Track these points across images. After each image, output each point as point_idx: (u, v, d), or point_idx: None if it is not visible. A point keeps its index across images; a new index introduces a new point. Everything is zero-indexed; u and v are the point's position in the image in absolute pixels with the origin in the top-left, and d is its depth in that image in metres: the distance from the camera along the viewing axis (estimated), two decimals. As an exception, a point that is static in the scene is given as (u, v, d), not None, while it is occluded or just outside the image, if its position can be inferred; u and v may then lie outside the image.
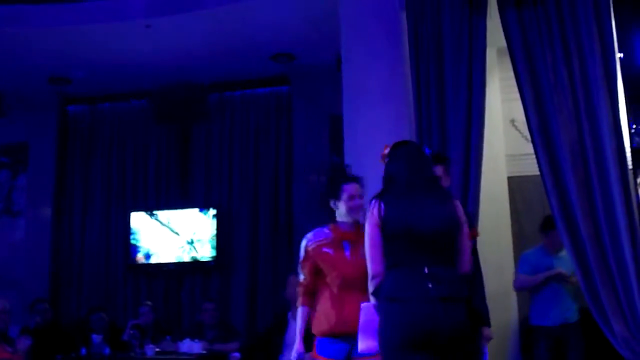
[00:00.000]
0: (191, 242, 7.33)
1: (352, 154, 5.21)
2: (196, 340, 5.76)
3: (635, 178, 5.06)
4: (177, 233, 7.38)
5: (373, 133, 5.02)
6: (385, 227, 3.01)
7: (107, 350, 5.92)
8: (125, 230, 7.49)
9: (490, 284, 5.66)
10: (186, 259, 7.33)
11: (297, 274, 5.48)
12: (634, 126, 6.13)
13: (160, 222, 7.43)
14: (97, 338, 5.95)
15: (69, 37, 6.36)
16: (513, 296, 5.82)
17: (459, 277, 3.02)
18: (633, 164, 4.79)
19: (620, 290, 4.10)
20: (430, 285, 2.90)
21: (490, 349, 5.67)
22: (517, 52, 4.59)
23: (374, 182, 4.94)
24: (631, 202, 4.17)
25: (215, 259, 7.24)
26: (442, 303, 2.86)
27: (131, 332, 6.00)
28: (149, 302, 6.56)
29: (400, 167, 3.18)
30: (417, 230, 2.96)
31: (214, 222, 7.26)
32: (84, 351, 5.88)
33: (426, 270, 2.93)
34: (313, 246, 3.64)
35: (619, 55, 4.47)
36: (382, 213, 3.03)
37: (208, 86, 7.46)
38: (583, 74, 4.37)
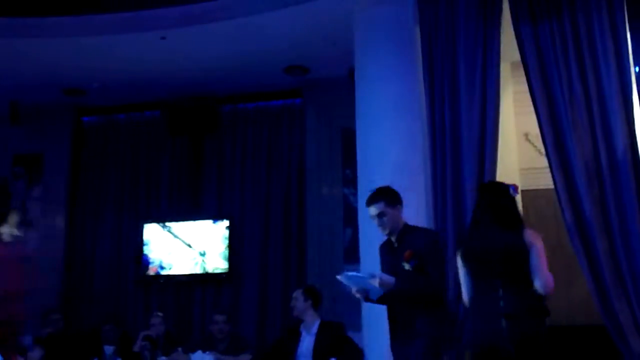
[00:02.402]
0: (203, 254, 7.33)
1: (365, 168, 5.21)
2: (207, 352, 5.73)
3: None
4: (189, 245, 7.38)
5: (386, 147, 5.03)
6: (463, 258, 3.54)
7: (119, 361, 5.92)
8: (138, 241, 7.51)
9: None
10: (198, 270, 7.33)
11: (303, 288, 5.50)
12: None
13: (173, 234, 7.44)
14: (108, 349, 5.96)
15: (84, 49, 6.40)
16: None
17: (528, 296, 3.34)
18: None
19: (635, 305, 4.08)
20: (501, 304, 3.32)
21: None
22: (531, 67, 4.59)
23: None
24: (646, 216, 4.15)
25: (226, 270, 7.24)
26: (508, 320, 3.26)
27: (142, 343, 5.99)
28: (160, 313, 6.55)
29: (478, 207, 3.65)
30: (486, 257, 3.43)
31: (226, 233, 7.26)
32: (95, 361, 5.88)
33: (500, 290, 3.36)
34: None
35: (634, 69, 4.46)
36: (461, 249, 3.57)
37: (221, 98, 7.48)
38: (598, 89, 4.36)
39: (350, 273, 3.86)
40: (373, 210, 3.89)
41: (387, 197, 3.91)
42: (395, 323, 3.84)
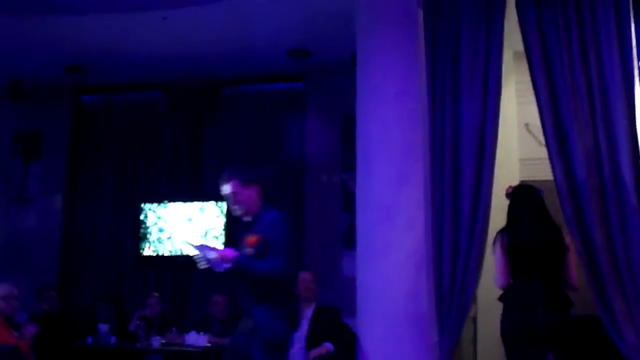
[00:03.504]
0: (202, 235, 7.34)
1: (364, 153, 5.19)
2: (202, 333, 5.76)
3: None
4: (188, 225, 7.38)
5: (385, 132, 5.00)
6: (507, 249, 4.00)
7: (113, 340, 5.95)
8: (136, 221, 7.51)
9: (497, 289, 5.65)
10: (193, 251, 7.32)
11: (307, 270, 5.52)
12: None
13: (171, 214, 7.44)
14: (103, 327, 5.98)
15: (85, 26, 6.37)
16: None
17: (559, 288, 3.94)
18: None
19: (632, 298, 4.07)
20: (537, 295, 3.87)
21: (497, 355, 5.67)
22: (534, 55, 4.55)
23: (384, 181, 4.95)
24: (646, 211, 4.13)
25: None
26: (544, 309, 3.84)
27: (137, 322, 6.02)
28: (156, 294, 6.58)
29: (518, 206, 4.15)
30: (528, 251, 3.95)
31: (225, 215, 7.26)
32: (90, 340, 5.91)
33: (536, 282, 3.90)
34: None
35: (637, 62, 4.42)
36: (506, 242, 4.02)
37: (223, 80, 7.46)
38: (600, 79, 4.33)
39: (197, 243, 3.87)
40: (226, 188, 3.87)
41: (241, 176, 3.91)
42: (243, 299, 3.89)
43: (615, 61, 4.28)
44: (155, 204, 7.48)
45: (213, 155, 7.67)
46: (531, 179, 5.95)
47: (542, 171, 5.85)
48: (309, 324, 5.25)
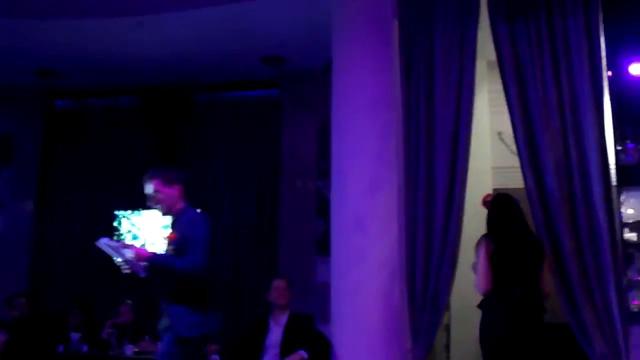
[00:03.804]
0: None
1: (338, 160, 5.22)
2: (175, 341, 5.70)
3: (619, 195, 5.09)
4: (162, 233, 7.33)
5: (360, 140, 5.03)
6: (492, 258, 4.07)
7: (85, 349, 5.88)
8: (109, 227, 7.43)
9: (472, 298, 5.69)
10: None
11: (280, 277, 5.52)
12: (620, 144, 6.19)
13: (146, 221, 7.38)
14: (75, 336, 5.90)
15: (58, 31, 6.31)
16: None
17: (537, 295, 4.08)
18: (617, 181, 4.83)
19: (600, 307, 4.12)
20: (519, 301, 4.01)
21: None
22: (506, 66, 4.62)
23: (358, 189, 4.98)
24: (614, 219, 4.21)
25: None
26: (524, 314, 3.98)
27: (110, 330, 5.96)
28: (129, 301, 6.51)
29: (502, 213, 4.27)
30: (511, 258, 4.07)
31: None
32: (61, 348, 5.83)
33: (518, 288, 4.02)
34: None
35: (607, 73, 4.51)
36: (491, 247, 4.08)
37: (197, 86, 7.44)
38: (571, 91, 4.40)
39: (105, 240, 3.83)
40: (148, 187, 3.90)
41: (163, 175, 3.93)
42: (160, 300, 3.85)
43: (585, 72, 4.36)
44: (129, 211, 7.42)
45: (187, 162, 7.62)
46: (503, 187, 6.02)
47: (515, 179, 5.92)
48: (282, 331, 5.24)
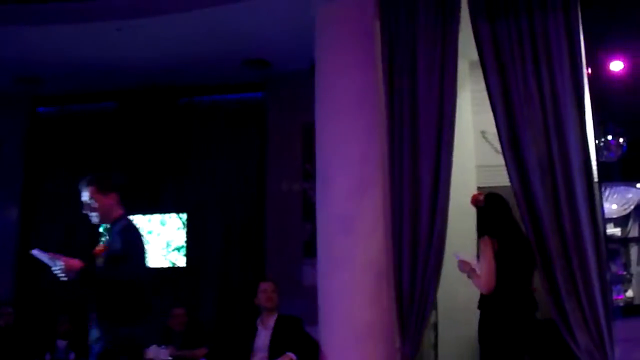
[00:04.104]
0: (162, 248, 7.26)
1: (323, 162, 5.23)
2: (163, 347, 5.70)
3: (603, 191, 5.14)
4: (146, 238, 7.30)
5: (345, 143, 5.05)
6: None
7: (73, 356, 5.84)
8: (94, 233, 7.39)
9: (458, 296, 5.72)
10: (156, 264, 7.25)
11: (267, 280, 5.52)
12: (602, 139, 6.26)
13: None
14: (61, 343, 5.87)
15: (38, 38, 6.27)
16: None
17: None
18: (601, 177, 4.89)
19: (585, 303, 4.16)
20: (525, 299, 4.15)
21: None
22: (489, 65, 4.65)
23: (343, 190, 5.00)
24: (596, 215, 4.25)
25: (186, 264, 7.18)
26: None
27: (97, 337, 5.91)
28: (116, 307, 6.46)
29: (501, 213, 4.30)
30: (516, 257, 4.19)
31: (185, 227, 7.20)
32: (48, 356, 5.79)
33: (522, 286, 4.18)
34: None
35: (587, 70, 4.56)
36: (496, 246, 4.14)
37: (180, 90, 7.42)
38: (552, 89, 4.44)
39: (36, 251, 3.72)
40: (84, 195, 3.85)
41: (98, 183, 3.86)
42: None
43: (566, 71, 4.41)
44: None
45: (171, 167, 7.60)
46: (488, 185, 6.06)
47: (498, 177, 5.96)
48: (271, 334, 5.24)
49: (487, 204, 4.35)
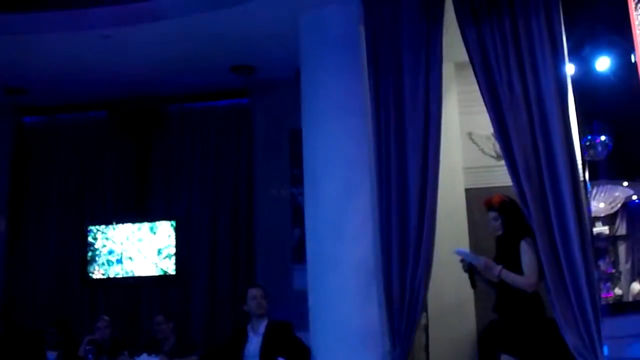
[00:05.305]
0: (150, 255, 7.24)
1: (311, 167, 5.24)
2: (153, 355, 5.67)
3: (591, 190, 5.16)
4: (136, 246, 7.28)
5: (332, 147, 5.07)
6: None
7: (63, 367, 5.81)
8: (83, 243, 7.36)
9: (447, 297, 5.74)
10: (145, 272, 7.23)
11: (256, 286, 5.51)
12: (588, 139, 6.31)
13: (121, 235, 7.32)
14: (51, 355, 5.83)
15: (24, 47, 6.24)
16: (471, 310, 5.89)
17: None
18: (588, 175, 4.92)
19: (574, 301, 4.17)
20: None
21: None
22: (477, 67, 4.66)
23: (331, 194, 5.02)
24: (582, 213, 4.26)
25: (174, 271, 7.16)
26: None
27: (87, 347, 5.88)
28: (105, 317, 6.44)
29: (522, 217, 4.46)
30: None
31: (174, 235, 7.18)
32: (38, 368, 5.75)
33: None
34: None
35: (570, 70, 4.59)
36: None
37: (167, 97, 7.40)
38: (536, 88, 4.47)
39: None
40: None
41: None
42: None
43: (550, 71, 4.43)
44: (103, 226, 7.35)
45: (160, 174, 7.58)
46: (475, 186, 6.11)
47: (485, 179, 6.01)
48: (261, 340, 5.23)
49: (512, 209, 4.44)
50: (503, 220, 4.44)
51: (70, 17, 6.00)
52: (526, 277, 4.26)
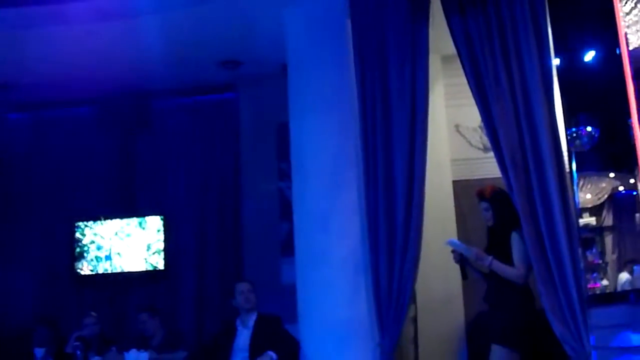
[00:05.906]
0: (138, 251, 7.22)
1: (298, 161, 5.24)
2: (142, 351, 5.66)
3: (577, 181, 5.19)
4: (123, 242, 7.25)
5: (319, 141, 5.07)
6: None
7: (51, 364, 5.78)
8: (70, 239, 7.33)
9: (436, 289, 5.77)
10: (133, 267, 7.21)
11: (244, 281, 5.52)
12: (574, 129, 6.33)
13: (109, 231, 7.29)
14: (39, 352, 5.80)
15: (8, 42, 6.18)
16: (459, 302, 5.92)
17: None
18: (575, 166, 4.95)
19: (560, 292, 4.19)
20: None
21: (438, 354, 5.78)
22: (464, 60, 4.66)
23: (319, 188, 5.02)
24: (568, 204, 4.28)
25: (162, 267, 7.15)
26: None
27: (75, 344, 5.85)
28: (93, 313, 6.41)
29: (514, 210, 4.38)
30: None
31: (161, 230, 7.17)
32: (25, 365, 5.72)
33: None
34: None
35: (555, 61, 4.59)
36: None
37: (153, 93, 7.37)
38: (522, 80, 4.46)
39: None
40: None
41: None
42: None
43: (535, 62, 4.43)
44: (90, 222, 7.33)
45: (147, 170, 7.56)
46: (463, 178, 6.14)
47: (473, 171, 6.03)
48: (251, 334, 5.24)
49: (505, 201, 4.42)
50: (494, 211, 4.47)
51: (55, 12, 5.95)
52: (516, 269, 4.28)
